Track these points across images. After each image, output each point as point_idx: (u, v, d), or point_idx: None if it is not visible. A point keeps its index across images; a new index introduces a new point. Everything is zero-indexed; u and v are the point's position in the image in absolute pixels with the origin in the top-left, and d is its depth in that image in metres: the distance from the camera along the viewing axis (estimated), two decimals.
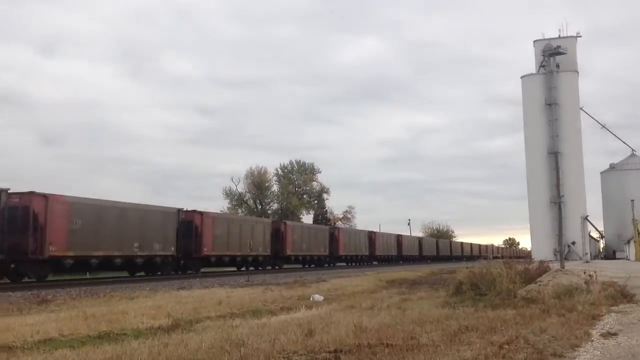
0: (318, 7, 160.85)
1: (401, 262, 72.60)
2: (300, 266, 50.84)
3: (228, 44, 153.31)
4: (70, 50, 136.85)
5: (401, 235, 77.76)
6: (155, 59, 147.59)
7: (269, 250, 44.20)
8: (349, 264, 60.65)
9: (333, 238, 56.93)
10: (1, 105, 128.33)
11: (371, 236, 66.44)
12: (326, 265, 54.51)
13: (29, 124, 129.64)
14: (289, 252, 47.58)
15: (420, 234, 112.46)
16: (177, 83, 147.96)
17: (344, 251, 58.31)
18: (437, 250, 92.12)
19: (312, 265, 51.93)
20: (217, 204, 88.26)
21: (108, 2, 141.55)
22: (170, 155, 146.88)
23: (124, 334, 10.58)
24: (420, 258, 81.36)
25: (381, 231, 75.30)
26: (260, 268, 43.05)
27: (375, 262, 66.26)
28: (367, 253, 64.51)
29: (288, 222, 52.51)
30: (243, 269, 41.42)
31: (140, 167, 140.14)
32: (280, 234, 46.90)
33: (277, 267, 46.01)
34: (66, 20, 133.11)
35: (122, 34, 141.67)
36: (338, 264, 58.05)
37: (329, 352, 8.01)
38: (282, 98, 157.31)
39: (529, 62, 77.26)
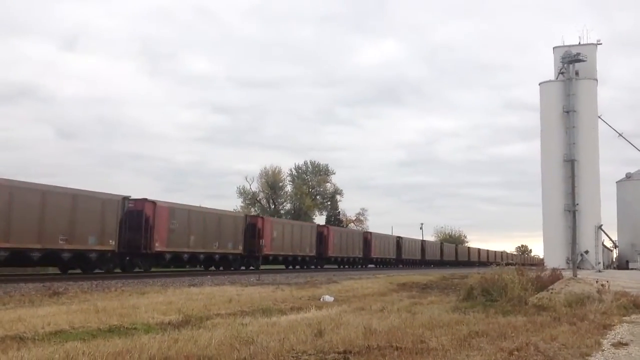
0: (337, 9, 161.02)
1: (423, 265, 72.48)
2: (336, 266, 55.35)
3: (247, 43, 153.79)
4: (90, 45, 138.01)
5: (425, 241, 77.46)
6: (174, 57, 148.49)
7: (314, 251, 49.42)
8: (378, 266, 63.99)
9: (367, 242, 60.74)
10: (21, 98, 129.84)
11: (399, 241, 68.86)
12: (359, 266, 59.08)
13: (47, 117, 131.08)
14: (330, 253, 52.02)
15: (432, 239, 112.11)
16: (195, 81, 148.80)
17: (375, 254, 62.72)
18: (456, 256, 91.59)
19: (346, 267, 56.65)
20: (231, 203, 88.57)
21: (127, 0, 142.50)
22: (186, 152, 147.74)
23: (135, 329, 10.63)
24: (440, 263, 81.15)
25: (408, 237, 75.89)
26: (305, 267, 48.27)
27: (401, 265, 68.16)
28: (394, 256, 67.42)
29: (331, 227, 56.97)
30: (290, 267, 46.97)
31: (155, 164, 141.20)
32: (323, 237, 51.69)
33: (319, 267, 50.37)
34: (87, 15, 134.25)
35: (142, 31, 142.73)
36: (369, 265, 62.46)
37: (338, 352, 8.00)
38: (299, 99, 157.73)
39: (547, 69, 76.94)
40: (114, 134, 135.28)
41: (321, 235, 52.25)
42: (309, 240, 49.54)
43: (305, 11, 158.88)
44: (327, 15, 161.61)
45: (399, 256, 70.59)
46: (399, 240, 68.64)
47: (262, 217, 45.09)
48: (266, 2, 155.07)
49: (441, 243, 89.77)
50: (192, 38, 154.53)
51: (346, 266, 57.40)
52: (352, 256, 58.06)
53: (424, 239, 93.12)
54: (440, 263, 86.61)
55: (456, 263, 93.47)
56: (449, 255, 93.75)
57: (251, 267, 40.98)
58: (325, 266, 52.85)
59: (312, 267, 49.89)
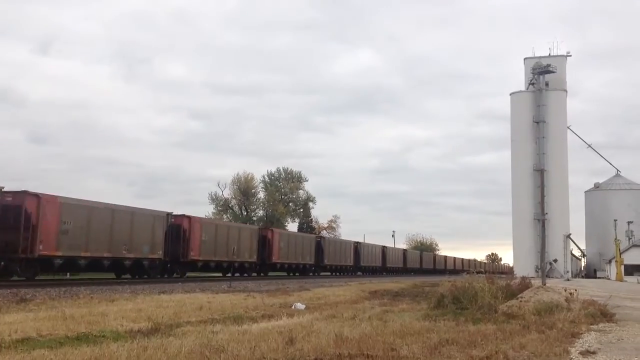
0: (315, 18, 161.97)
1: (385, 273, 72.46)
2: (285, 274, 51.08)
3: (225, 50, 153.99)
4: (66, 49, 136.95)
5: (385, 247, 77.55)
6: (150, 62, 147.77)
7: (255, 257, 44.62)
8: (333, 274, 60.56)
9: (320, 247, 56.86)
10: None
11: (357, 247, 66.58)
12: (311, 274, 54.27)
13: (19, 121, 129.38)
14: (275, 259, 47.57)
15: (404, 246, 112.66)
16: (171, 86, 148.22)
17: (329, 261, 58.46)
18: (420, 263, 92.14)
19: (296, 274, 51.89)
20: (203, 209, 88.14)
21: (105, 3, 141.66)
22: (160, 158, 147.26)
23: (103, 336, 10.48)
24: (404, 270, 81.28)
25: (366, 242, 75.20)
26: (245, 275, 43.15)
27: (359, 273, 65.84)
28: (352, 263, 64.56)
29: (276, 230, 51.89)
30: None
31: (128, 169, 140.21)
32: (267, 241, 46.70)
33: (262, 274, 46.09)
34: (63, 19, 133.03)
35: (119, 36, 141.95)
36: (322, 273, 57.89)
37: None
38: (275, 106, 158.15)
39: (519, 80, 77.84)
40: (87, 138, 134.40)
41: (264, 240, 46.66)
42: (248, 245, 43.70)
43: (283, 20, 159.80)
44: (305, 24, 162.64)
45: (357, 263, 66.31)
46: (357, 246, 66.86)
47: (188, 217, 37.14)
48: (245, 10, 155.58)
49: (404, 251, 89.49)
50: (170, 43, 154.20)
51: (296, 274, 52.16)
52: (302, 262, 53.08)
53: (396, 246, 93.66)
54: (420, 271, 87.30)
55: (433, 271, 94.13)
56: (428, 264, 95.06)
57: (175, 275, 36.65)
58: (270, 273, 48.13)
59: (254, 274, 44.73)
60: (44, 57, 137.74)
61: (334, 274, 60.62)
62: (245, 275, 42.90)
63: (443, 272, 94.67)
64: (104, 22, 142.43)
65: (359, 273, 65.50)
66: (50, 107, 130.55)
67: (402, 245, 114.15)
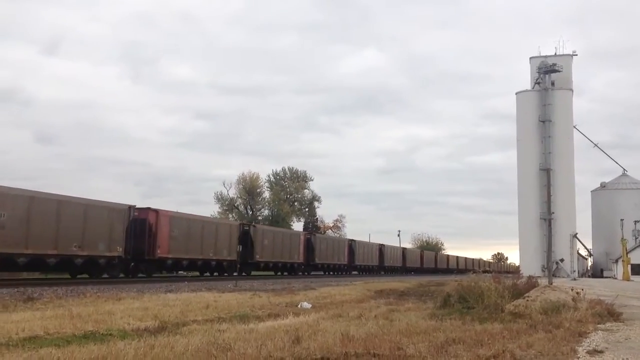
0: (319, 18, 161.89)
1: (382, 273, 70.90)
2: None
3: (230, 51, 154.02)
4: (73, 50, 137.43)
5: (383, 245, 75.18)
6: (156, 62, 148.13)
7: (235, 255, 40.90)
8: (326, 273, 58.07)
9: (309, 244, 54.17)
10: (0, 102, 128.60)
11: (351, 245, 64.36)
12: (302, 273, 51.53)
13: (26, 122, 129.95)
14: (258, 258, 44.58)
15: (409, 246, 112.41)
16: (177, 87, 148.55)
17: (320, 259, 55.58)
18: (421, 262, 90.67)
19: (284, 274, 49.30)
20: (209, 209, 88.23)
21: (111, 4, 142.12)
22: (165, 158, 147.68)
23: (110, 335, 10.51)
24: (403, 269, 79.90)
25: (362, 240, 73.82)
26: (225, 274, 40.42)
27: (354, 272, 63.82)
28: (345, 262, 62.72)
29: (258, 226, 48.37)
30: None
31: (134, 169, 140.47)
32: (249, 237, 43.66)
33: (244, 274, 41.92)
34: (71, 20, 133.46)
35: (125, 37, 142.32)
36: (313, 272, 54.82)
37: (316, 359, 8.00)
38: (280, 106, 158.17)
39: (525, 79, 77.63)
40: (93, 138, 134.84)
41: (246, 236, 43.95)
42: (227, 242, 40.41)
43: (288, 20, 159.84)
44: (310, 25, 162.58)
45: (352, 262, 63.78)
46: (351, 244, 64.30)
47: (155, 211, 33.96)
48: (250, 11, 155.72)
49: (403, 249, 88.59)
50: (176, 44, 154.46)
51: (284, 273, 49.81)
52: (289, 261, 50.26)
53: (402, 246, 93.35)
54: (426, 270, 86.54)
55: (439, 270, 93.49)
56: (413, 262, 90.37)
57: (140, 275, 33.91)
58: (253, 273, 44.91)
59: (235, 274, 40.28)
60: (51, 57, 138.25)
61: (326, 273, 57.75)
62: (226, 274, 40.05)
63: (446, 271, 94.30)
64: (111, 23, 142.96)
65: (354, 272, 63.48)
66: (56, 107, 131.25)
67: (407, 244, 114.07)
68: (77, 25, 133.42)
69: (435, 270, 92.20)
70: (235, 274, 40.74)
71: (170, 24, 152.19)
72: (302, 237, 54.10)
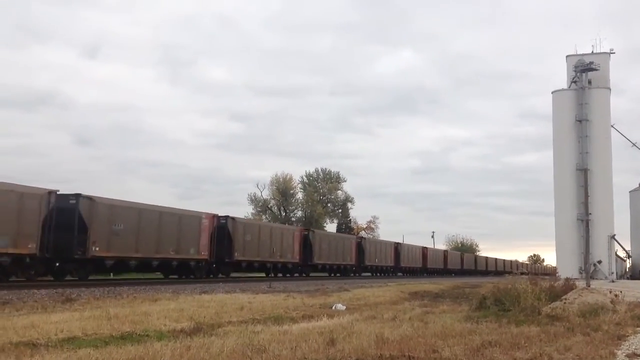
0: (355, 18, 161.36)
1: (425, 274, 72.09)
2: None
3: (266, 52, 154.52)
4: (112, 53, 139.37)
5: (426, 248, 77.18)
6: (194, 65, 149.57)
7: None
8: (374, 274, 61.28)
9: (360, 248, 57.51)
10: (40, 105, 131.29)
11: (397, 247, 66.61)
12: (352, 274, 55.23)
13: (65, 124, 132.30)
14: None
15: (443, 247, 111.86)
16: (213, 89, 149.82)
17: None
18: (461, 264, 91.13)
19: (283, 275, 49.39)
20: (243, 210, 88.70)
21: (151, 7, 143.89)
22: (202, 159, 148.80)
23: (147, 335, 10.63)
24: (445, 271, 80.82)
25: (407, 242, 75.09)
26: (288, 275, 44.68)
27: (399, 274, 65.87)
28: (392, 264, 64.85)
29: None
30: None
31: (171, 171, 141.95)
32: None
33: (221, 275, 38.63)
34: (110, 23, 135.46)
35: (164, 39, 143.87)
36: (363, 273, 59.00)
37: None
38: (315, 107, 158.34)
39: (562, 78, 76.47)
40: (130, 141, 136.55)
41: (306, 241, 47.00)
42: (291, 246, 44.22)
43: (324, 21, 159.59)
44: (346, 25, 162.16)
45: (398, 264, 65.54)
46: (397, 247, 66.24)
47: (233, 219, 38.49)
48: (286, 12, 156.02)
49: (445, 252, 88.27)
50: (213, 46, 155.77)
51: (337, 274, 52.24)
52: (343, 263, 53.38)
53: (435, 247, 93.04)
54: (446, 272, 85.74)
55: (475, 272, 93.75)
56: (454, 264, 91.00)
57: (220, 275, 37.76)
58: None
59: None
60: (91, 61, 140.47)
61: (374, 274, 61.21)
62: (288, 275, 44.35)
63: (484, 273, 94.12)
64: (151, 26, 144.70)
65: (399, 274, 65.66)
66: (95, 110, 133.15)
67: (441, 246, 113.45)
68: (118, 29, 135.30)
69: (474, 272, 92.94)
70: (296, 274, 45.86)
71: (209, 25, 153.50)
72: (353, 241, 57.90)
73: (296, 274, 45.78)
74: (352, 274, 55.08)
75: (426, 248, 77.28)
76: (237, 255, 37.49)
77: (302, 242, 46.71)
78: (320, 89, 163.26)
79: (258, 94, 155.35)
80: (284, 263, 44.09)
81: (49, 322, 11.59)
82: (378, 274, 62.05)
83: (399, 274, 65.82)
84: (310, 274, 48.37)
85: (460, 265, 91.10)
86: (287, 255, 43.90)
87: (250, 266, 39.17)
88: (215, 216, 35.94)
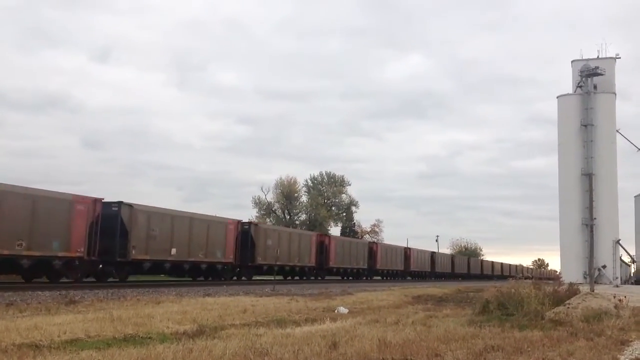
0: (365, 23, 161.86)
1: (433, 278, 72.19)
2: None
3: (275, 56, 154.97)
4: (123, 57, 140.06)
5: (435, 253, 78.62)
6: (203, 69, 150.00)
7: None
8: (384, 278, 62.26)
9: (372, 252, 58.74)
10: (51, 108, 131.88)
11: (407, 252, 67.73)
12: (364, 278, 56.46)
13: (75, 127, 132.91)
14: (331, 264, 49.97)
15: (448, 251, 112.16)
16: (222, 93, 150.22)
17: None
18: (468, 268, 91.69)
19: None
20: (248, 213, 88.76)
21: (163, 12, 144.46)
22: (208, 162, 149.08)
23: (150, 338, 10.64)
24: (452, 275, 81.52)
25: (416, 247, 75.41)
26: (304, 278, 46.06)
27: (409, 278, 66.70)
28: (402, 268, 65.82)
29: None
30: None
31: (178, 173, 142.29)
32: (325, 246, 49.38)
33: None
34: (122, 28, 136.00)
35: (174, 43, 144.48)
36: (374, 277, 59.99)
37: None
38: (324, 111, 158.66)
39: (568, 83, 76.38)
40: (138, 144, 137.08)
41: (322, 245, 49.32)
42: (308, 250, 46.43)
43: (334, 25, 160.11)
44: (355, 29, 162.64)
45: (407, 268, 66.44)
46: (407, 251, 67.31)
47: (256, 224, 42.59)
48: (296, 16, 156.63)
49: (452, 256, 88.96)
50: (223, 50, 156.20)
51: (350, 278, 53.75)
52: (355, 267, 55.14)
53: (440, 251, 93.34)
54: (453, 276, 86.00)
55: (479, 276, 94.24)
56: (461, 268, 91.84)
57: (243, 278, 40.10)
58: (327, 277, 50.15)
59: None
60: (102, 64, 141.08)
61: (385, 278, 62.23)
62: (304, 278, 46.00)
63: (490, 277, 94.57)
64: (161, 30, 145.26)
65: (408, 278, 66.58)
66: (104, 113, 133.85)
67: (445, 249, 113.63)
68: (129, 33, 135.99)
69: (480, 276, 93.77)
70: (312, 277, 47.32)
71: (219, 30, 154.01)
72: (366, 246, 59.53)
73: (312, 277, 47.35)
74: (364, 277, 56.60)
75: (434, 253, 78.45)
76: (259, 259, 39.20)
77: (318, 247, 48.21)
78: (328, 93, 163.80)
79: (266, 97, 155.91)
80: (301, 267, 45.88)
81: (52, 323, 11.61)
82: (388, 278, 62.96)
83: (408, 277, 66.70)
84: (325, 277, 49.72)
85: (467, 269, 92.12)
86: (304, 259, 45.64)
87: (270, 269, 40.00)
88: (239, 222, 38.03)
